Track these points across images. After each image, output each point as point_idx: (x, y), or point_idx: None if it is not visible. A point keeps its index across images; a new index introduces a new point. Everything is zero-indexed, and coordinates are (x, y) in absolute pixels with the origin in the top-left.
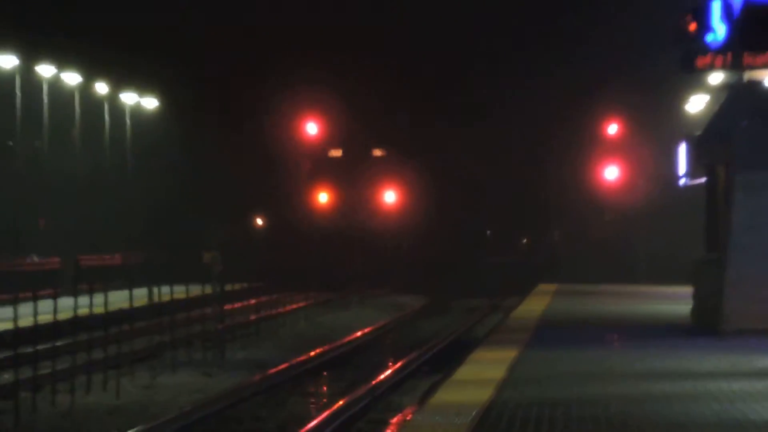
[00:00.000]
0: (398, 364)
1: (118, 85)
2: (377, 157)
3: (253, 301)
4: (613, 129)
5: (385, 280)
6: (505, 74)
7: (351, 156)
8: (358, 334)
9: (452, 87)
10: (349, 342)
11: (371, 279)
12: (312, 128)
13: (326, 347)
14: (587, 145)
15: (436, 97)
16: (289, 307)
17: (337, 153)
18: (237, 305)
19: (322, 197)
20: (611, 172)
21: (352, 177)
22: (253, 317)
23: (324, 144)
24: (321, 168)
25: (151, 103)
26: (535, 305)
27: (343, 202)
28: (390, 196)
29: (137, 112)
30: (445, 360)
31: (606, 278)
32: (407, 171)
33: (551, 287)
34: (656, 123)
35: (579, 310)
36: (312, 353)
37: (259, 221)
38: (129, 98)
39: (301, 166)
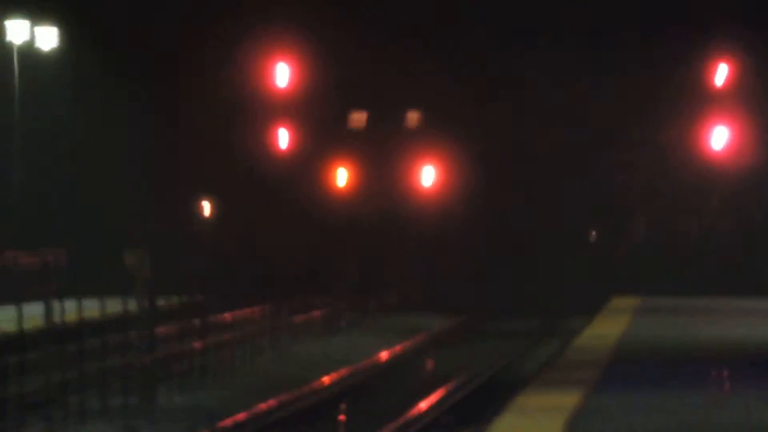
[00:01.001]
0: (400, 419)
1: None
2: (411, 127)
3: (197, 323)
4: (722, 75)
5: (401, 288)
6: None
7: (378, 123)
8: (343, 372)
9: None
10: (328, 387)
11: (383, 286)
12: (282, 76)
13: (294, 393)
14: (683, 102)
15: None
16: (253, 330)
17: (360, 119)
18: (174, 329)
19: (341, 177)
20: (719, 138)
21: (378, 151)
22: (197, 346)
23: (299, 100)
24: (337, 139)
25: (49, 37)
26: (607, 328)
27: (367, 184)
28: (428, 176)
29: (29, 51)
30: (476, 408)
31: (711, 289)
32: (448, 144)
33: (630, 302)
34: None
35: (672, 335)
36: (273, 402)
37: (207, 207)
38: (18, 30)
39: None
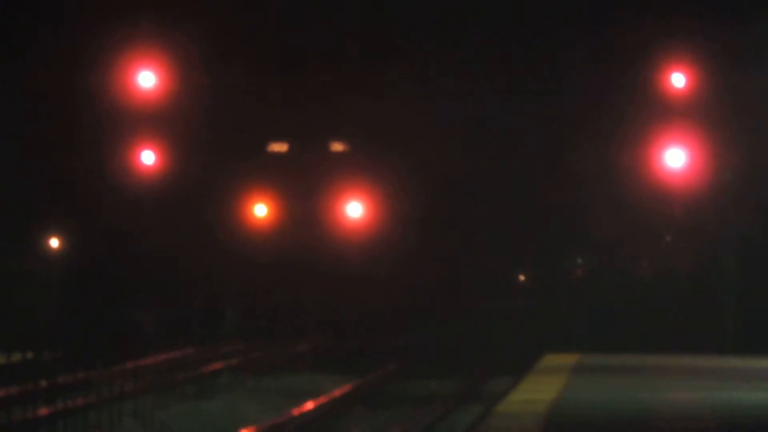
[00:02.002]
0: None
1: None
2: (337, 153)
3: (44, 384)
4: (678, 82)
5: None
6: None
7: (299, 151)
8: None
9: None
10: None
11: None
12: (147, 79)
13: None
14: (635, 114)
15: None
16: (112, 393)
17: (281, 147)
18: (14, 391)
19: (260, 210)
20: (675, 157)
21: (300, 181)
22: (44, 411)
23: (166, 105)
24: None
25: None
26: (538, 392)
27: (282, 217)
28: (355, 209)
29: None
30: None
31: (665, 344)
32: (377, 175)
33: (567, 359)
34: (752, 72)
35: (616, 401)
36: None
37: (55, 242)
38: None
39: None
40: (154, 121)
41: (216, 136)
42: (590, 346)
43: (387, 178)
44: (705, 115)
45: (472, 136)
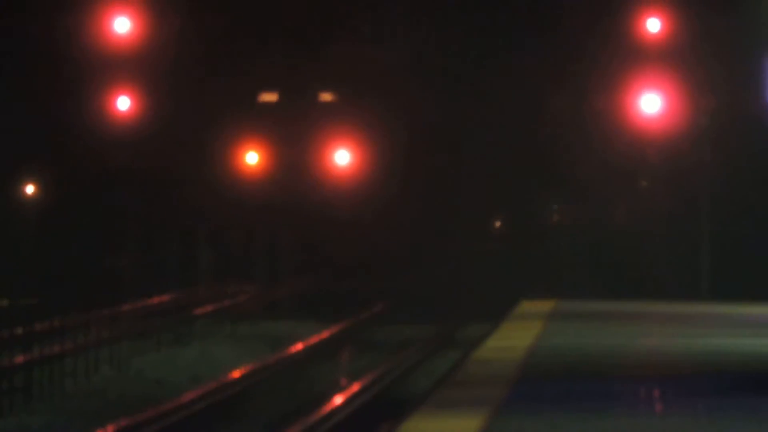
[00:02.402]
0: None
1: None
2: (325, 103)
3: (20, 331)
4: (653, 27)
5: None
6: None
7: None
8: (191, 395)
9: None
10: (173, 410)
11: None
12: (122, 24)
13: (135, 418)
14: (610, 60)
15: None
16: (88, 340)
17: (271, 97)
18: None
19: (251, 157)
20: (650, 102)
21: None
22: (20, 359)
23: (143, 53)
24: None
25: None
26: (514, 338)
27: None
28: (343, 156)
29: None
30: None
31: (640, 291)
32: (365, 123)
33: (543, 305)
34: (728, 16)
35: (592, 346)
36: (111, 428)
37: (30, 188)
38: None
39: None
40: (130, 66)
41: (196, 82)
42: (566, 292)
43: (373, 126)
44: (680, 60)
45: (452, 84)
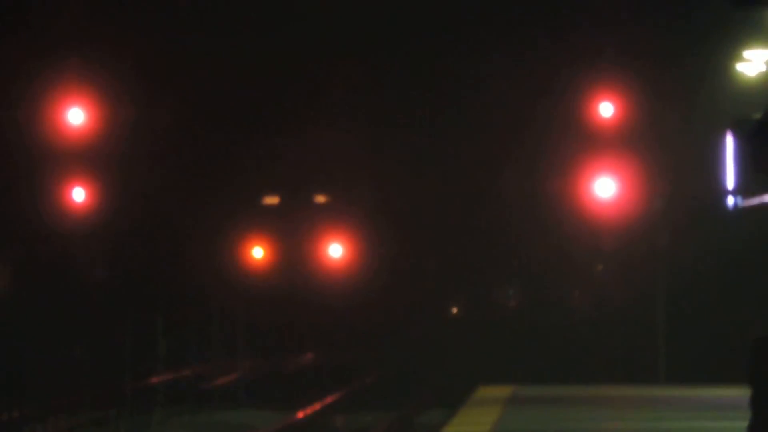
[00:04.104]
0: None
1: None
2: (320, 204)
3: None
4: (606, 111)
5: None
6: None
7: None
8: None
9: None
10: None
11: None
12: (76, 116)
13: None
14: (563, 143)
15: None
16: None
17: (273, 200)
18: None
19: (257, 252)
20: (604, 187)
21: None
22: None
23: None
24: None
25: None
26: (473, 424)
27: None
28: (336, 250)
29: None
30: None
31: (599, 374)
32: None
33: (501, 391)
34: (682, 99)
35: (552, 431)
36: None
37: None
38: None
39: None
40: (85, 158)
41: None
42: (525, 377)
43: (360, 223)
44: (634, 144)
45: (414, 170)
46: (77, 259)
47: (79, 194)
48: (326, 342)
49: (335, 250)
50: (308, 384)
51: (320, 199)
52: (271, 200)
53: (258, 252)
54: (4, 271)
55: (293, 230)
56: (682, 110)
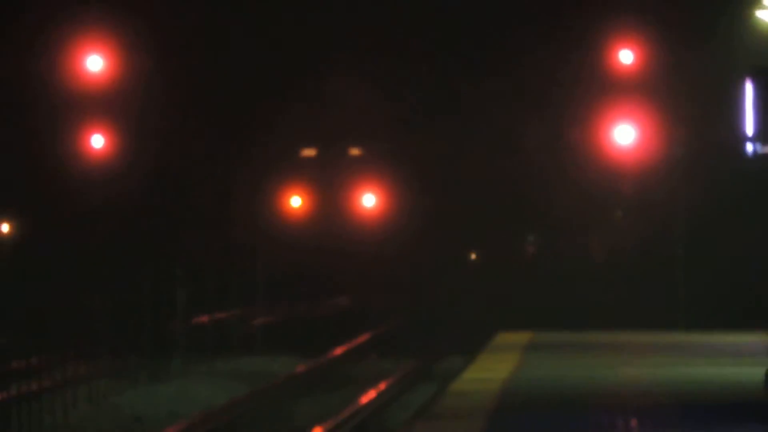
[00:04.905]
0: None
1: None
2: (354, 156)
3: None
4: (626, 58)
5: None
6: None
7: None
8: (179, 428)
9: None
10: None
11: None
12: (95, 63)
13: None
14: (584, 92)
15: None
16: (66, 378)
17: (310, 152)
18: None
19: (295, 201)
20: (624, 134)
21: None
22: None
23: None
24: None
25: None
26: (492, 370)
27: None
28: (369, 200)
29: None
30: None
31: (617, 321)
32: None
33: (519, 337)
34: (701, 46)
35: (570, 377)
36: None
37: (5, 227)
38: None
39: None
40: (103, 105)
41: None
42: (543, 323)
43: (391, 174)
44: (654, 91)
45: (438, 120)
46: (99, 207)
47: (97, 141)
48: (358, 287)
49: (368, 200)
50: (333, 330)
51: (354, 151)
52: (309, 152)
53: (296, 201)
54: (25, 220)
55: (329, 181)
56: (702, 58)
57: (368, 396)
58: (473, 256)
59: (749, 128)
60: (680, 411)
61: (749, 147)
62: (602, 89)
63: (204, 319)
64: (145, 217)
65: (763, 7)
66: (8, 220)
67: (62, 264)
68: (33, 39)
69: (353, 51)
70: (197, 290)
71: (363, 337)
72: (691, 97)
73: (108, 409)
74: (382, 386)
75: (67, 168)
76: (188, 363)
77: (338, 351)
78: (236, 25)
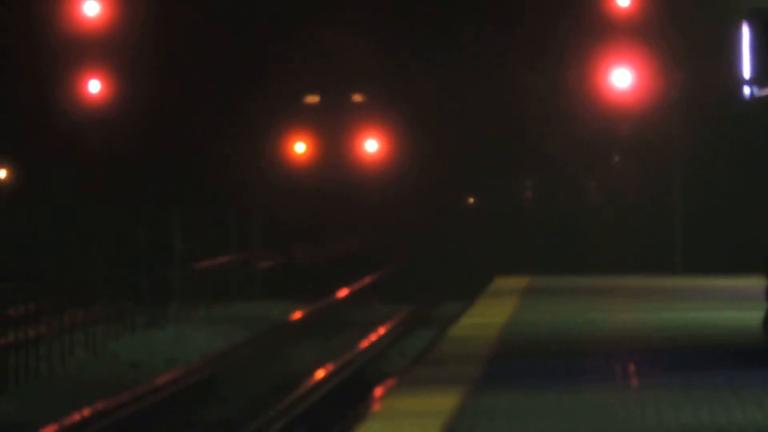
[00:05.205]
0: None
1: None
2: (357, 103)
3: None
4: (623, 1)
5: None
6: None
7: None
8: (167, 377)
9: None
10: (150, 393)
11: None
12: (92, 8)
13: (113, 401)
14: (580, 35)
15: None
16: (61, 324)
17: (314, 99)
18: None
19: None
20: (621, 77)
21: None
22: None
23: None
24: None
25: None
26: (489, 315)
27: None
28: (372, 145)
29: None
30: (333, 414)
31: (614, 266)
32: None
33: (516, 282)
34: None
35: (567, 321)
36: (87, 410)
37: (2, 172)
38: None
39: None
40: (100, 49)
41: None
42: (541, 268)
43: (393, 119)
44: (651, 34)
45: (437, 67)
46: (97, 152)
47: (94, 86)
48: (360, 231)
49: (371, 145)
50: (334, 274)
51: (357, 98)
52: (312, 99)
53: (300, 147)
54: (22, 165)
55: (332, 127)
56: (699, 0)
57: (367, 341)
58: (471, 201)
59: (746, 71)
60: (678, 355)
61: (746, 90)
62: (599, 33)
63: (206, 264)
64: (143, 162)
65: None
66: (5, 166)
67: (60, 210)
68: None
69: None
70: (198, 236)
71: (363, 281)
72: (688, 40)
73: (105, 356)
74: (381, 331)
75: (64, 113)
76: (186, 308)
77: (338, 295)
78: None
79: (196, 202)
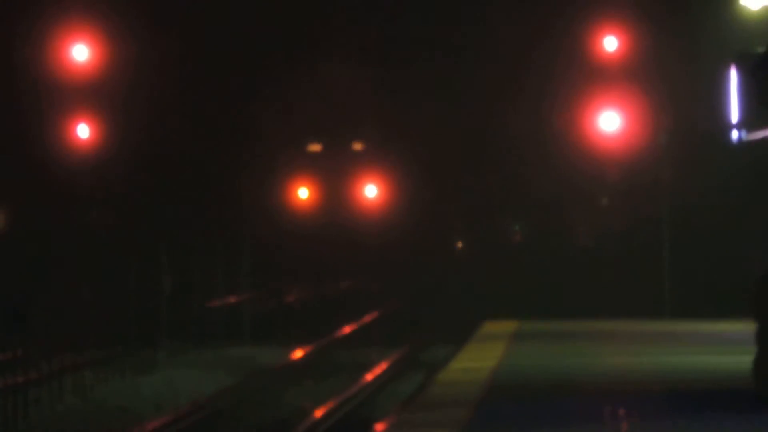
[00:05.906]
0: None
1: None
2: (357, 151)
3: None
4: (610, 45)
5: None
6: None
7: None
8: (156, 423)
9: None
10: None
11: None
12: (81, 53)
13: None
14: (569, 78)
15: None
16: (51, 368)
17: (316, 147)
18: None
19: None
20: (609, 120)
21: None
22: None
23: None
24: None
25: None
26: (479, 359)
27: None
28: (371, 191)
29: None
30: None
31: (602, 309)
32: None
33: (506, 326)
34: (685, 33)
35: (557, 366)
36: None
37: None
38: None
39: None
40: (90, 94)
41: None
42: (530, 311)
43: (391, 166)
44: (639, 77)
45: (429, 111)
46: (85, 197)
47: (83, 131)
48: (357, 273)
49: (370, 191)
50: (326, 316)
51: (357, 146)
52: (315, 147)
53: (303, 192)
54: (11, 209)
55: (334, 174)
56: (687, 44)
57: (356, 385)
58: (459, 245)
59: (734, 115)
60: (669, 399)
61: (734, 134)
62: (587, 76)
63: (215, 303)
64: (133, 207)
65: None
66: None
67: (48, 254)
68: (14, 25)
69: (352, 52)
70: (188, 279)
71: (354, 324)
72: (676, 83)
73: (94, 401)
74: (369, 377)
75: (53, 158)
76: (175, 353)
77: (328, 338)
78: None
79: (186, 247)
